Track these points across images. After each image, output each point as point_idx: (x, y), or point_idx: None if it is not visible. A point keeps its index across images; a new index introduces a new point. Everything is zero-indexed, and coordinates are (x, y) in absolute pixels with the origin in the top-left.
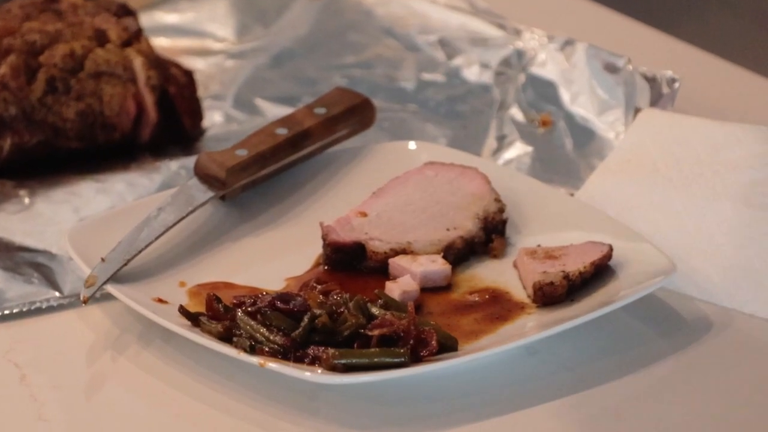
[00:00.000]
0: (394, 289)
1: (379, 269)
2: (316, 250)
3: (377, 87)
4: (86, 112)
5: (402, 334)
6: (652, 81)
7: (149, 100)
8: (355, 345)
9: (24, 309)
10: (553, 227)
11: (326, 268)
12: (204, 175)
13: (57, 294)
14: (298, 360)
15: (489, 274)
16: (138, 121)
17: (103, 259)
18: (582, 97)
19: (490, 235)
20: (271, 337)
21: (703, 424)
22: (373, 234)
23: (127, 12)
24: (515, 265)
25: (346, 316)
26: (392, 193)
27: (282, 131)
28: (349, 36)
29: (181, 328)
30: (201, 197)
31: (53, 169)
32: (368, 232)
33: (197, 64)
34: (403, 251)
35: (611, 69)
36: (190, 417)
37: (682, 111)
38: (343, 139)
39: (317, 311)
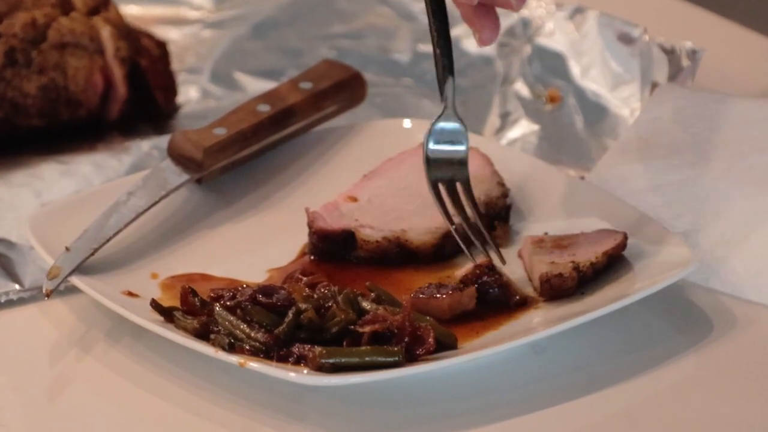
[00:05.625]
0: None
1: (371, 259)
2: (302, 238)
3: (369, 59)
4: (49, 87)
5: (396, 331)
6: (670, 53)
7: (118, 73)
8: (345, 343)
9: None
10: (562, 213)
11: (312, 258)
12: (178, 156)
13: (17, 287)
14: (282, 359)
15: None
16: (106, 97)
17: (67, 249)
18: (593, 71)
19: (492, 222)
20: (252, 334)
21: (725, 428)
22: (364, 221)
23: None
24: (520, 255)
25: (334, 311)
26: (385, 176)
27: (264, 108)
28: (337, 3)
29: (154, 324)
30: (175, 180)
31: (12, 150)
32: (358, 219)
33: (171, 35)
34: (397, 240)
35: (626, 39)
36: (164, 422)
37: (704, 85)
38: (331, 116)
39: (303, 306)
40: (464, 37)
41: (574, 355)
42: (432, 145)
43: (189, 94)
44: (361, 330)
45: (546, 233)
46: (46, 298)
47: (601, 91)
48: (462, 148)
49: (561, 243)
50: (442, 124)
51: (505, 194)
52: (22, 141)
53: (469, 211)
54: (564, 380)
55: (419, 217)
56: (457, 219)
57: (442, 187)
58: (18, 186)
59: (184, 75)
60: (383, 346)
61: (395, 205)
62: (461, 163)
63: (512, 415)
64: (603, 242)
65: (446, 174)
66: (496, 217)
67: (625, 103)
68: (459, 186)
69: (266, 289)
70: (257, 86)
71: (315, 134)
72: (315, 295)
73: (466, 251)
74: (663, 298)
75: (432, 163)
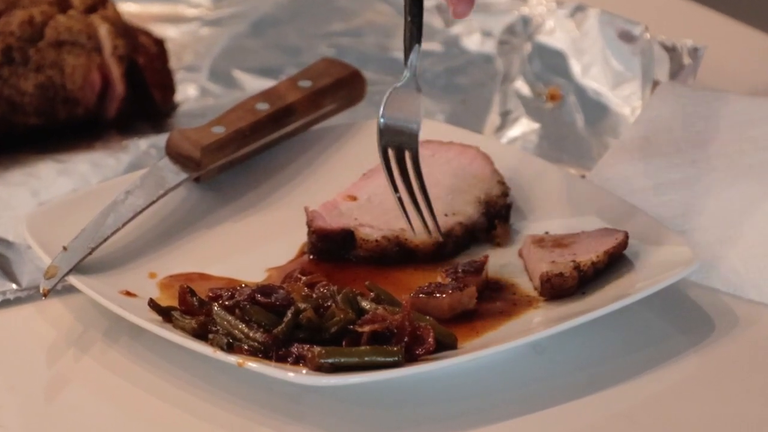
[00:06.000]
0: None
1: (370, 259)
2: (301, 237)
3: (368, 57)
4: (46, 85)
5: (395, 331)
6: (671, 51)
7: (116, 71)
8: (344, 343)
9: None
10: (563, 212)
11: (311, 257)
12: (176, 155)
13: (14, 286)
14: (281, 359)
15: (492, 264)
16: (103, 96)
17: (65, 248)
18: (594, 69)
19: (492, 221)
20: (251, 334)
21: (727, 428)
22: (363, 220)
23: None
24: (521, 255)
25: (333, 310)
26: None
27: (263, 106)
28: (337, 1)
29: (152, 323)
30: (173, 179)
31: (9, 148)
32: (358, 218)
33: (169, 32)
34: (396, 239)
35: (627, 38)
36: (162, 422)
37: (705, 83)
38: (330, 115)
39: (302, 305)
40: (464, 35)
41: (575, 355)
42: (387, 112)
43: (187, 92)
44: (360, 330)
45: (547, 232)
46: (43, 298)
47: (602, 89)
48: (416, 123)
49: (562, 242)
50: (402, 92)
51: (505, 193)
52: (19, 139)
53: (415, 182)
54: (564, 380)
55: (419, 216)
56: (402, 189)
57: (392, 156)
58: (15, 185)
59: (183, 73)
60: (383, 346)
61: (395, 204)
62: (413, 133)
63: (512, 416)
64: (604, 241)
65: (397, 142)
66: (497, 216)
67: (626, 101)
68: (408, 155)
69: (265, 289)
70: (256, 84)
71: (314, 133)
72: (314, 295)
73: (407, 223)
74: (664, 298)
75: (385, 130)
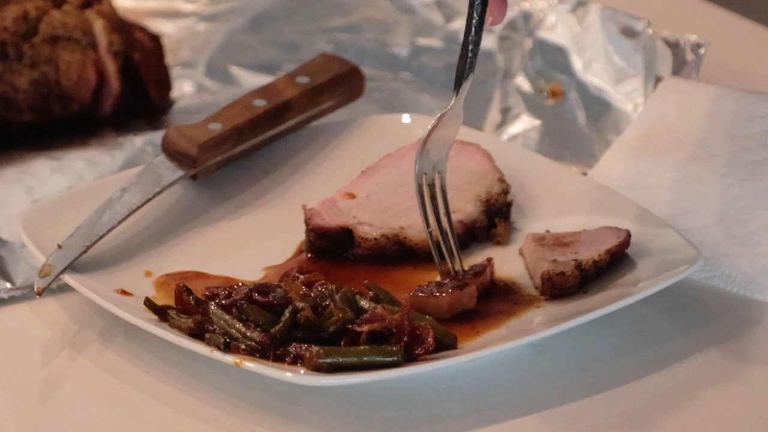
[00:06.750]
0: None
1: (369, 257)
2: (299, 235)
3: (367, 53)
4: (41, 82)
5: (395, 330)
6: (674, 46)
7: (111, 67)
8: (342, 342)
9: None
10: (564, 210)
11: (309, 256)
12: (173, 152)
13: (8, 285)
14: (278, 359)
15: None
16: (99, 92)
17: (59, 246)
18: (596, 65)
19: (493, 219)
20: (248, 333)
21: (730, 429)
22: (362, 218)
23: None
24: (521, 253)
25: (331, 309)
26: (384, 172)
27: (260, 103)
28: None
29: (147, 323)
30: (169, 176)
31: (3, 146)
32: (356, 216)
33: (165, 28)
34: (396, 237)
35: (629, 33)
36: (158, 423)
37: (709, 80)
38: (328, 111)
39: (299, 304)
40: (463, 31)
41: (577, 354)
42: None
43: (183, 88)
44: (359, 329)
45: (548, 231)
46: (37, 297)
47: (604, 85)
48: (448, 149)
49: (563, 241)
50: (446, 117)
51: (506, 191)
52: (13, 137)
53: (442, 209)
54: (566, 380)
55: (418, 214)
56: (432, 222)
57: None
58: (9, 182)
59: (179, 69)
60: (382, 346)
61: (394, 202)
62: (443, 159)
63: (513, 417)
64: (606, 240)
65: (429, 166)
66: (497, 214)
67: (628, 97)
68: (436, 179)
69: (262, 288)
70: (253, 80)
71: (312, 130)
72: (312, 294)
73: (434, 254)
74: (667, 297)
75: (423, 156)
